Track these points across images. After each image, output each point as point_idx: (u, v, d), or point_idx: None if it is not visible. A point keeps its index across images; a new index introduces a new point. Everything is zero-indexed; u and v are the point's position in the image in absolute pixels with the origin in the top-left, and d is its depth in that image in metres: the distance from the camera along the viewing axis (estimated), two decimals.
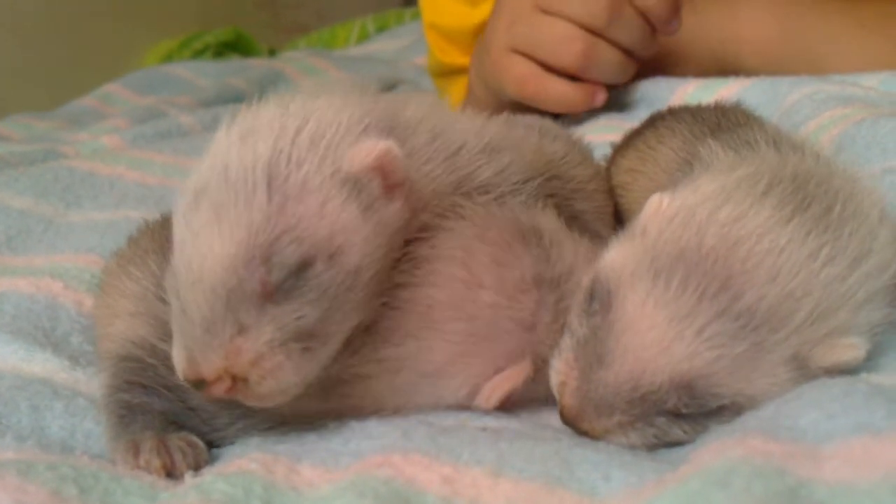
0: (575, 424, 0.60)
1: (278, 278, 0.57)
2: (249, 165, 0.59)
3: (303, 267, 0.58)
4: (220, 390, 0.58)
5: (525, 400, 0.66)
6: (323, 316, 0.58)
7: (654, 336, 0.56)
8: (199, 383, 0.58)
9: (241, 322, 0.57)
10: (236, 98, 1.97)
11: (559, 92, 1.31)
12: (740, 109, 0.90)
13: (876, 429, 0.48)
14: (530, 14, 1.30)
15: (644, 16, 1.27)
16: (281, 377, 0.58)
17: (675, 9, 1.27)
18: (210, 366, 0.57)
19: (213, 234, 0.58)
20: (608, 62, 1.29)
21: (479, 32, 1.55)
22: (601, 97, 1.32)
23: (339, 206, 0.60)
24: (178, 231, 0.61)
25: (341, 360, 0.62)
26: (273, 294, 0.57)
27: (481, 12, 1.55)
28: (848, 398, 0.52)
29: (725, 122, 0.84)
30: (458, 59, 1.63)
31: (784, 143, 0.75)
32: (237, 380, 0.57)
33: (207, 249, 0.58)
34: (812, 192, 0.61)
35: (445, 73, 1.70)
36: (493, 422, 0.63)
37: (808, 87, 1.08)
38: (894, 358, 0.61)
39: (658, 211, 0.62)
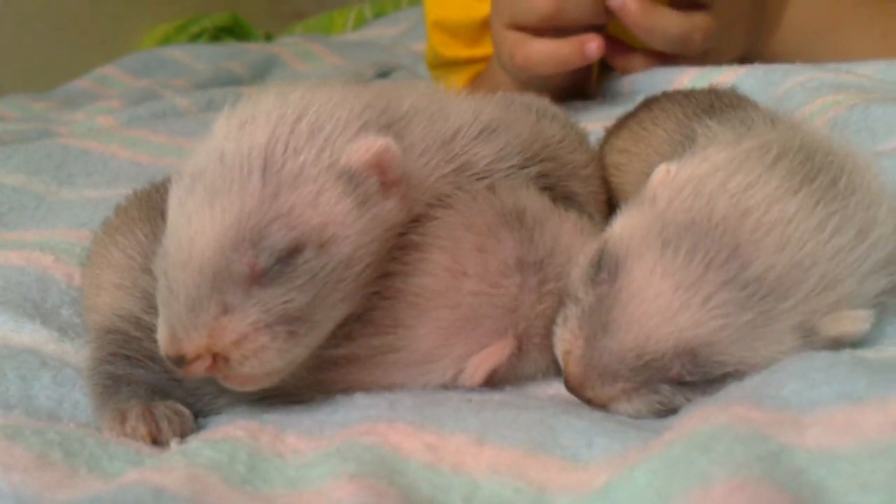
0: (579, 392, 0.60)
1: (267, 262, 0.58)
2: (245, 151, 0.60)
3: (292, 253, 0.58)
4: (200, 368, 0.58)
5: (510, 378, 0.67)
6: (310, 302, 0.59)
7: (660, 304, 0.57)
8: (180, 360, 0.58)
9: (226, 302, 0.57)
10: (232, 81, 1.97)
11: (545, 52, 1.25)
12: (733, 92, 0.91)
13: (857, 397, 0.49)
14: None
15: None
16: (264, 358, 0.58)
17: None
18: (192, 343, 0.57)
19: (205, 216, 0.58)
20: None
21: (485, 26, 1.55)
22: (593, 46, 1.23)
23: (335, 197, 0.60)
24: (173, 214, 0.61)
25: (332, 346, 0.63)
26: (261, 277, 0.58)
27: (484, 7, 1.54)
28: (831, 369, 0.52)
29: (719, 103, 0.84)
30: (461, 51, 1.63)
31: (780, 122, 0.75)
32: (218, 359, 0.58)
33: (198, 231, 0.58)
34: (819, 163, 0.61)
35: (444, 64, 1.70)
36: (477, 395, 0.63)
37: (801, 75, 1.08)
38: (878, 333, 0.61)
39: (666, 180, 0.63)
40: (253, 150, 0.60)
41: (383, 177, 0.62)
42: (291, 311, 0.58)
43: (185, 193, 0.60)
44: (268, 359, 0.58)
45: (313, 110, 0.63)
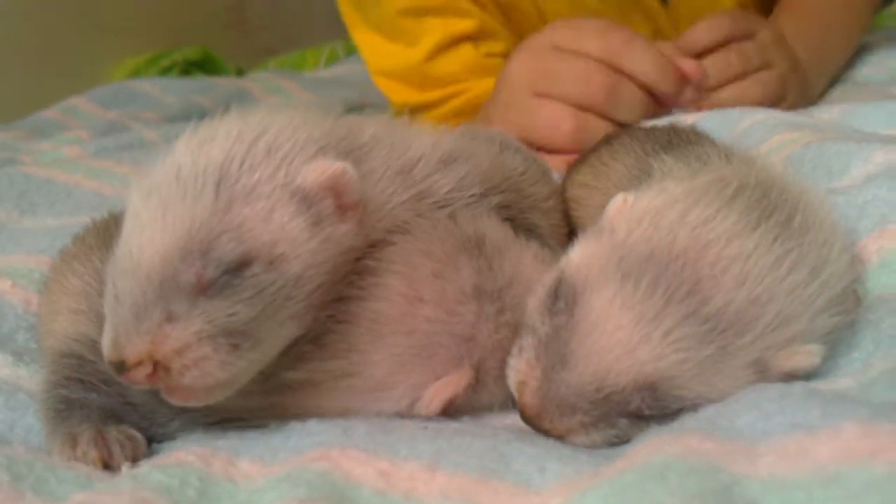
0: (536, 423, 0.59)
1: (214, 274, 0.58)
2: (202, 166, 0.60)
3: (240, 266, 0.58)
4: (140, 375, 0.57)
5: (466, 408, 0.66)
6: (256, 316, 0.58)
7: (620, 337, 0.56)
8: (121, 365, 0.57)
9: (171, 311, 0.57)
10: (201, 115, 1.92)
11: None
12: (692, 129, 0.92)
13: (810, 427, 0.49)
14: (525, 99, 1.28)
15: (648, 90, 1.23)
16: (205, 369, 0.57)
17: (680, 81, 1.23)
18: (133, 349, 0.56)
19: (157, 226, 0.58)
20: (598, 136, 1.21)
21: (422, 69, 1.56)
22: None
23: (287, 216, 0.60)
24: (127, 224, 0.61)
25: (286, 368, 0.63)
26: (207, 288, 0.58)
27: (419, 51, 1.56)
28: (785, 399, 0.52)
29: (677, 139, 0.86)
30: (414, 96, 1.61)
31: (735, 158, 0.76)
32: (159, 367, 0.57)
33: (148, 240, 0.58)
34: (775, 200, 0.62)
35: (408, 111, 1.68)
36: (433, 423, 0.63)
37: (759, 114, 1.10)
38: (831, 365, 0.62)
39: (623, 210, 0.63)
40: (209, 166, 0.60)
41: (338, 200, 0.63)
42: (236, 323, 0.58)
43: (140, 205, 0.61)
44: (209, 370, 0.57)
45: (273, 131, 0.64)
